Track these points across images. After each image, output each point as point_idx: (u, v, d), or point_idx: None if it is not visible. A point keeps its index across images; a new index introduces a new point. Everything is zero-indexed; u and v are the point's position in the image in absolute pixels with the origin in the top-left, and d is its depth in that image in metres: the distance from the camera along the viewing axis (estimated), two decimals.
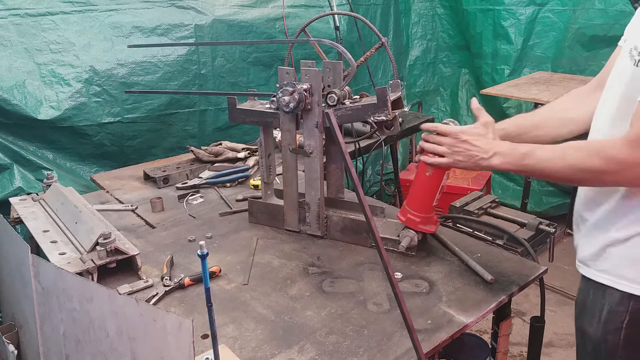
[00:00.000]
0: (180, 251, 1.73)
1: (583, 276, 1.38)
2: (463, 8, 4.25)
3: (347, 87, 1.71)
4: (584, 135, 1.43)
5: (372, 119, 1.60)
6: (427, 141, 1.47)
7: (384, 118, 1.59)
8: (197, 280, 1.53)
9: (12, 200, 1.96)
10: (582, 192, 1.37)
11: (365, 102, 1.63)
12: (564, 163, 1.24)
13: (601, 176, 1.20)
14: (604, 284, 1.30)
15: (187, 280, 1.52)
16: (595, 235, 1.32)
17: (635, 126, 1.15)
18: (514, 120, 1.58)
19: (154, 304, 1.44)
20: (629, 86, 1.20)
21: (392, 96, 1.61)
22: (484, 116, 1.45)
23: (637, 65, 1.17)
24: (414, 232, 1.62)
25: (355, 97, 1.72)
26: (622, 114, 1.21)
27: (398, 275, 1.56)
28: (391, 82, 1.66)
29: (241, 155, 2.49)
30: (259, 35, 3.10)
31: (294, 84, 1.63)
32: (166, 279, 1.53)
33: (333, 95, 1.65)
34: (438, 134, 1.44)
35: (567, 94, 1.58)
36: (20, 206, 1.90)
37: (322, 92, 1.66)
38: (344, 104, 1.67)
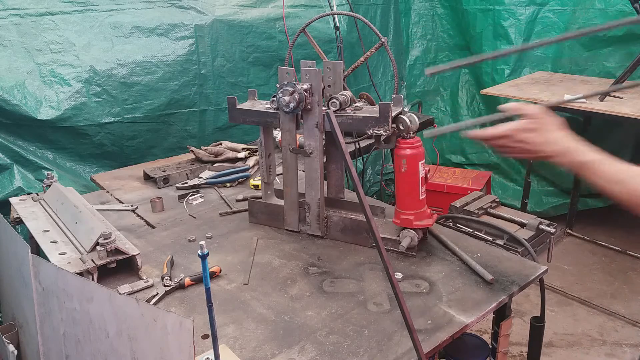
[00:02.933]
0: (180, 251, 1.73)
1: None
2: (463, 8, 4.25)
3: (349, 92, 1.71)
4: None
5: (371, 131, 1.60)
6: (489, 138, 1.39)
7: (383, 133, 1.59)
8: (197, 280, 1.53)
9: (12, 200, 1.96)
10: None
11: (367, 114, 1.62)
12: (622, 187, 1.18)
13: None
14: None
15: (187, 280, 1.52)
16: None
17: None
18: None
19: (154, 304, 1.44)
20: None
21: (394, 111, 1.61)
22: (530, 109, 1.34)
23: None
24: (413, 232, 1.62)
25: (357, 103, 1.71)
26: None
27: (398, 275, 1.56)
28: (394, 96, 1.66)
29: (241, 155, 2.49)
30: (259, 35, 3.10)
31: (294, 84, 1.63)
32: (166, 279, 1.53)
33: (335, 101, 1.65)
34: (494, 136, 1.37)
35: None
36: (20, 206, 1.90)
37: (323, 93, 1.66)
38: (345, 110, 1.67)
